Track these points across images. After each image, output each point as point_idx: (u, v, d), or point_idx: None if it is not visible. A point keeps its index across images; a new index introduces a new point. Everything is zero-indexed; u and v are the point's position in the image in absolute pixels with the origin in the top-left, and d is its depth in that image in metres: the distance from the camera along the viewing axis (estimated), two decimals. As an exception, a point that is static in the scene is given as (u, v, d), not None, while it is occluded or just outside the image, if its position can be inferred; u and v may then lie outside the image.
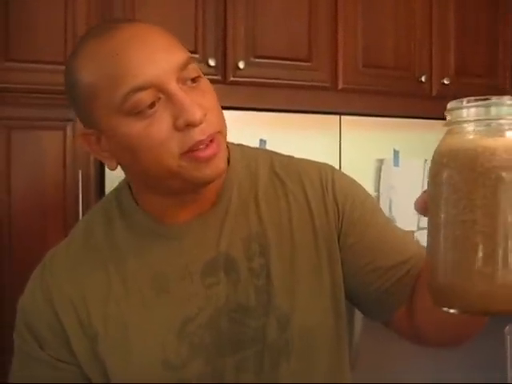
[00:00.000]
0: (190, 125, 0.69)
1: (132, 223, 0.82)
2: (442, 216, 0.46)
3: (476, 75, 2.27)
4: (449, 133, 0.48)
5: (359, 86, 2.10)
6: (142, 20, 0.78)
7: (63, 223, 1.77)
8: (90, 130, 0.76)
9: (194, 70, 0.73)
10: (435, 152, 0.48)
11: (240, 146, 0.88)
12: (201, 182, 0.74)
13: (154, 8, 1.85)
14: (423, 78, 2.17)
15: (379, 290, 0.79)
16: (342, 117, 2.03)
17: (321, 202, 0.82)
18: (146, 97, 0.68)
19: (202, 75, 0.75)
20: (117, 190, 0.86)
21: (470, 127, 0.46)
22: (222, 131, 0.74)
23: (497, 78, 2.32)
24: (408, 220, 2.07)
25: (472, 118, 0.46)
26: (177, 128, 0.69)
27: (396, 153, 2.07)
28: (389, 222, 0.86)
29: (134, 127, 0.70)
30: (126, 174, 0.82)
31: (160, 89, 0.69)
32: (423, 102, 2.17)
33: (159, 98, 0.69)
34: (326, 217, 0.81)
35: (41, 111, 1.77)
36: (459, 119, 0.46)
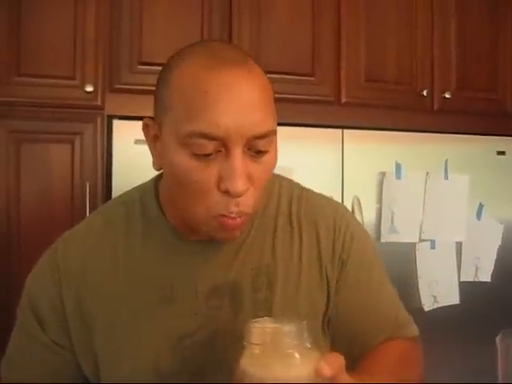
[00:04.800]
0: (230, 194, 0.70)
1: (153, 231, 0.83)
2: None
3: (477, 89, 2.28)
4: None
5: (362, 100, 2.12)
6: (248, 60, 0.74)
7: (71, 235, 1.79)
8: (155, 125, 0.76)
9: (266, 144, 0.72)
10: None
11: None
12: (213, 238, 0.77)
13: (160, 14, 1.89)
14: (425, 93, 2.18)
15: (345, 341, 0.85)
16: (345, 130, 2.05)
17: (330, 242, 0.85)
18: (208, 146, 0.69)
19: (274, 148, 0.75)
20: (142, 189, 0.87)
21: None
22: (252, 213, 0.75)
23: (497, 92, 2.33)
24: (410, 232, 2.08)
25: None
26: (218, 188, 0.71)
27: (398, 166, 2.08)
28: (380, 283, 0.89)
29: (185, 162, 0.70)
30: (163, 180, 0.83)
31: (224, 144, 0.69)
32: (425, 116, 2.19)
33: (219, 151, 0.70)
34: (332, 258, 0.85)
35: (50, 125, 1.80)
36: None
